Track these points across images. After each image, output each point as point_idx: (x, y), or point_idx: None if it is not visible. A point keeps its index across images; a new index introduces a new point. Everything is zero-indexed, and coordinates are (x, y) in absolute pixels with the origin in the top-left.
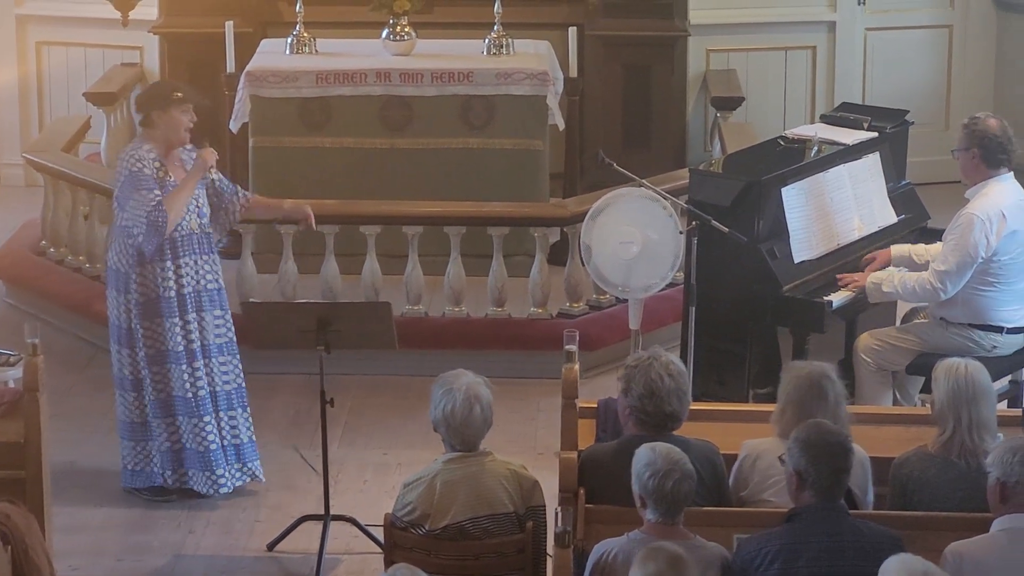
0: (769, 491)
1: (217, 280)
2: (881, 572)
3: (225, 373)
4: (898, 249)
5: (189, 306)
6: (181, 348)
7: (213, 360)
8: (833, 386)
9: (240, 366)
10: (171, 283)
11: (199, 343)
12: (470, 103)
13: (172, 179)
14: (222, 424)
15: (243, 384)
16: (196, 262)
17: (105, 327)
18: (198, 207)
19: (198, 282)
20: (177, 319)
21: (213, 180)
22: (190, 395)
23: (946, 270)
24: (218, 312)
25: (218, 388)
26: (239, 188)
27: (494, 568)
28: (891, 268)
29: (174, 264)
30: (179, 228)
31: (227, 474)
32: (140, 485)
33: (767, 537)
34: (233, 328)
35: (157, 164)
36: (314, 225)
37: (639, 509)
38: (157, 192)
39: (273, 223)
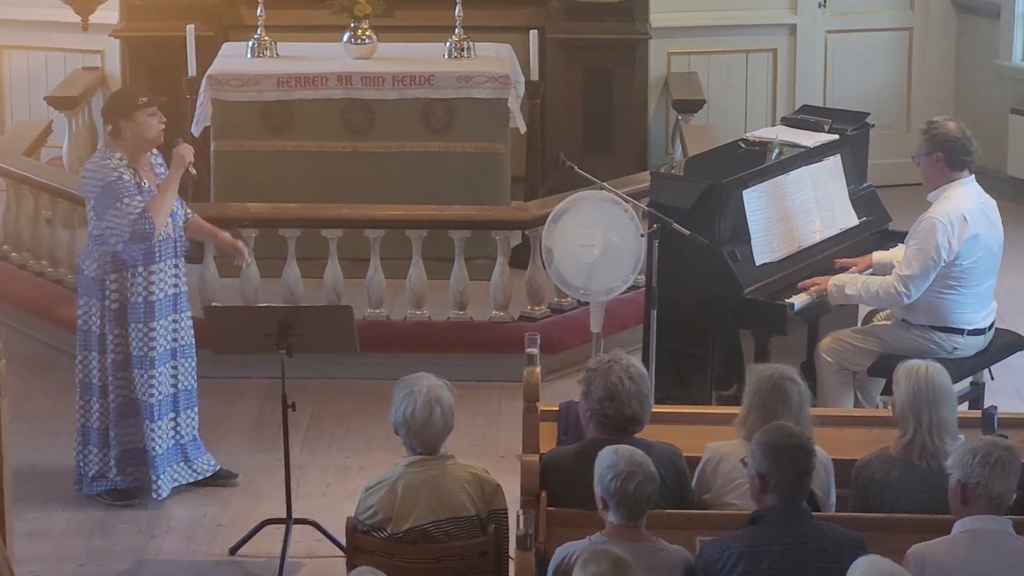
0: (732, 494)
1: (185, 284)
2: (849, 573)
3: (173, 377)
4: (879, 256)
5: (162, 311)
6: (153, 352)
7: (166, 364)
8: (797, 388)
9: (181, 371)
10: (140, 289)
11: (171, 346)
12: (431, 106)
13: (147, 185)
14: (172, 426)
15: (183, 389)
16: (169, 267)
17: (68, 331)
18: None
19: (173, 286)
20: (148, 324)
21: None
22: (153, 400)
23: (909, 275)
24: (187, 315)
25: (171, 391)
26: (186, 207)
27: (456, 571)
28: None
29: (146, 270)
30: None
31: (159, 481)
32: (100, 490)
33: (730, 539)
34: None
35: (131, 172)
36: (247, 260)
37: (601, 512)
38: (140, 199)
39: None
